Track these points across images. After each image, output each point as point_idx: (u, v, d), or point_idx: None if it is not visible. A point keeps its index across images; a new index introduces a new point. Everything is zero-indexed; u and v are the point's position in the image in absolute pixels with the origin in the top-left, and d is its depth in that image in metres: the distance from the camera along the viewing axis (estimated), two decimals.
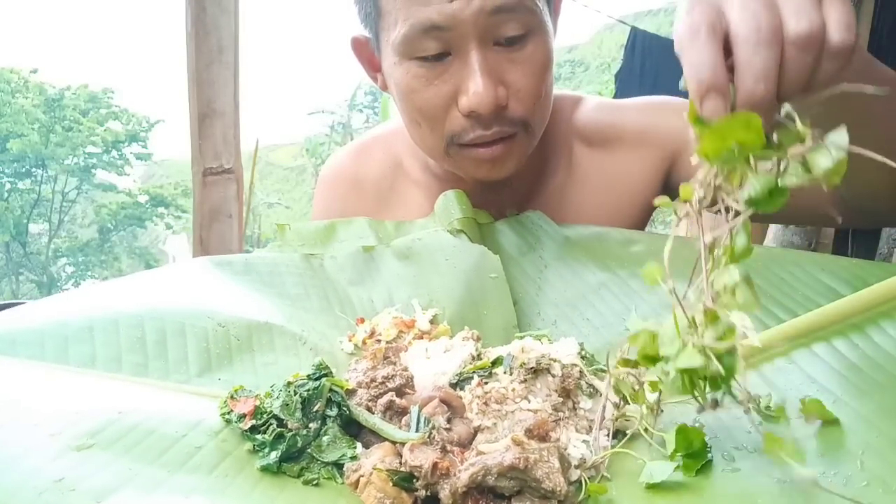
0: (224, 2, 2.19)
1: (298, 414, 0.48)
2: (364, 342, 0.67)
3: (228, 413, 0.49)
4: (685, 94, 0.44)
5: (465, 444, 0.48)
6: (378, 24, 0.78)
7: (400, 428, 0.49)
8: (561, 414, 0.50)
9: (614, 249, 0.75)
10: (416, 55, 0.74)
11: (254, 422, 0.48)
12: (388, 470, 0.44)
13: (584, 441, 0.48)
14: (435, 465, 0.43)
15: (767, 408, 0.47)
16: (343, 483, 0.46)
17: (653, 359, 0.40)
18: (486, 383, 0.53)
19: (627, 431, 0.49)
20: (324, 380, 0.51)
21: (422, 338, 0.66)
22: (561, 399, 0.51)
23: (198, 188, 2.28)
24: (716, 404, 0.38)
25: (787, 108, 0.38)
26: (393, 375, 0.55)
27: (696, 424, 0.46)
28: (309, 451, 0.48)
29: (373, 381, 0.55)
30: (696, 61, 0.41)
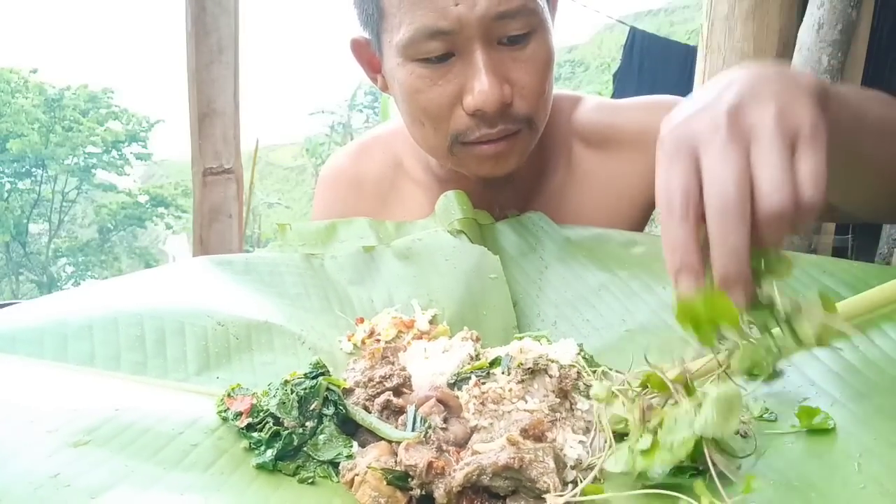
0: (224, 2, 2.19)
1: (295, 412, 0.48)
2: (363, 342, 0.66)
3: (225, 411, 0.49)
4: (684, 94, 0.44)
5: (462, 443, 0.48)
6: (380, 26, 0.78)
7: (396, 427, 0.49)
8: (558, 414, 0.50)
9: (615, 251, 0.75)
10: (419, 57, 0.74)
11: (250, 420, 0.48)
12: (383, 469, 0.44)
13: (580, 442, 0.48)
14: (430, 464, 0.43)
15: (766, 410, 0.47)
16: (338, 482, 0.46)
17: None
18: (483, 383, 0.53)
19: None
20: (320, 378, 0.50)
21: (421, 338, 0.66)
22: (558, 400, 0.51)
23: (198, 188, 2.28)
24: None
25: (766, 289, 0.43)
26: (390, 375, 0.55)
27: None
28: (305, 449, 0.48)
29: (370, 380, 0.55)
30: (669, 241, 0.43)
